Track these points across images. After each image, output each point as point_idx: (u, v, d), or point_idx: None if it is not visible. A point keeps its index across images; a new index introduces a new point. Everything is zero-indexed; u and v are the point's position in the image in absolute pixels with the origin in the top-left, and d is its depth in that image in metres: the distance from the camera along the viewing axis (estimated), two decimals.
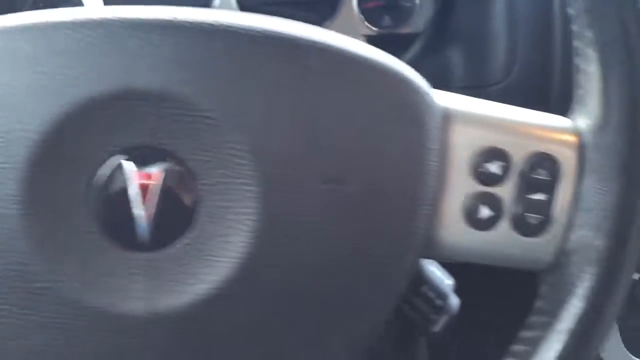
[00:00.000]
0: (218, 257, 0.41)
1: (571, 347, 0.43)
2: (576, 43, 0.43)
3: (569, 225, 0.43)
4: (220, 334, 0.42)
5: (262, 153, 0.40)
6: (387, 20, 0.82)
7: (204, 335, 0.41)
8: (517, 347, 0.45)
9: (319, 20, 0.81)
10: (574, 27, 0.42)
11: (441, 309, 0.53)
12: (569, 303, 0.43)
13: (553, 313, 0.44)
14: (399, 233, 0.43)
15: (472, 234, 0.44)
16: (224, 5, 0.80)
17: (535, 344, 0.44)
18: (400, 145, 0.42)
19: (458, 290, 0.54)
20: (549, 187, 0.43)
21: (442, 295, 0.54)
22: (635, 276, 0.71)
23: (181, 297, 0.41)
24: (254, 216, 0.40)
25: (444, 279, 0.54)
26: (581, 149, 0.43)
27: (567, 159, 0.43)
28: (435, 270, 0.55)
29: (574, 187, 0.43)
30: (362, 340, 0.44)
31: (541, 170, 0.43)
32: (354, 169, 0.41)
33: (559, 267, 0.44)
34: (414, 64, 0.73)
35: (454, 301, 0.54)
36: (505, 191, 0.43)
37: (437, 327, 0.53)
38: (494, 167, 0.43)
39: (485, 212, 0.43)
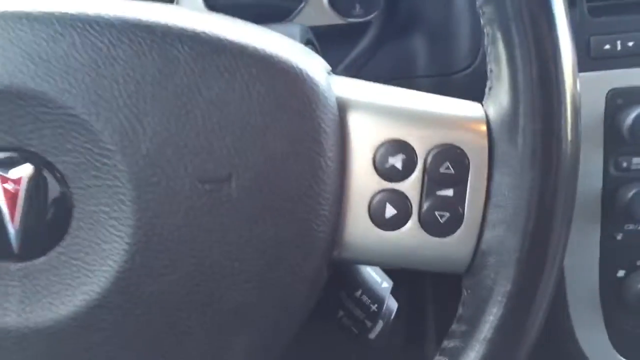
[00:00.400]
0: (94, 266, 0.38)
1: (489, 358, 0.39)
2: (482, 21, 0.38)
3: (482, 224, 0.39)
4: (100, 348, 0.39)
5: (132, 152, 0.37)
6: (357, 8, 0.79)
7: (83, 349, 0.39)
8: (438, 359, 0.41)
9: (288, 9, 0.77)
10: (477, 3, 0.38)
11: (376, 315, 0.49)
12: (486, 310, 0.39)
13: (472, 321, 0.40)
14: (295, 237, 0.39)
15: (380, 235, 0.40)
16: None
17: (455, 355, 0.40)
18: (287, 140, 0.38)
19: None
20: (457, 182, 0.39)
21: (377, 300, 0.50)
22: (621, 273, 0.67)
23: (57, 309, 0.38)
24: (128, 221, 0.37)
25: (381, 282, 0.51)
26: (491, 139, 0.39)
27: (476, 151, 0.39)
28: (371, 273, 0.51)
29: (485, 182, 0.39)
30: (263, 351, 0.41)
31: (448, 164, 0.39)
32: (236, 167, 0.38)
33: (476, 269, 0.40)
34: (371, 51, 0.69)
35: (391, 306, 0.50)
36: (411, 187, 0.40)
37: (374, 335, 0.50)
38: (397, 162, 0.39)
39: (391, 211, 0.40)
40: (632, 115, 0.60)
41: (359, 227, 0.40)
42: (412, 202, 0.40)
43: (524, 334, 0.39)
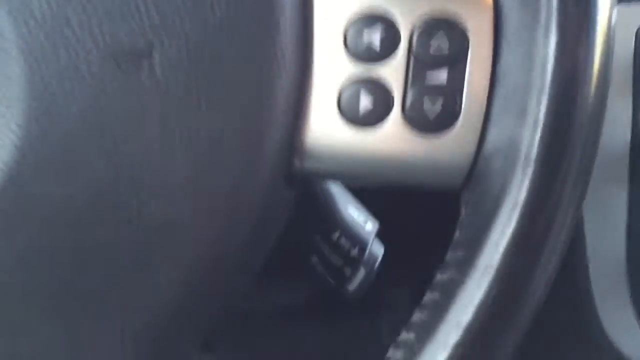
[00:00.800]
0: None
1: (497, 291, 0.29)
2: None
3: (486, 117, 0.30)
4: None
5: (22, 17, 0.29)
6: None
7: None
8: (429, 296, 0.32)
9: None
10: None
11: (357, 262, 0.40)
12: (491, 228, 0.30)
13: (472, 244, 0.30)
14: (237, 134, 0.30)
15: (352, 135, 0.31)
16: None
17: (449, 289, 0.31)
18: (230, 8, 0.29)
19: None
20: (453, 64, 0.30)
21: (359, 244, 0.40)
22: None
23: None
24: (19, 106, 0.29)
25: (365, 223, 0.41)
26: (498, 8, 0.30)
27: (477, 23, 0.30)
28: (353, 212, 0.42)
29: (489, 62, 0.30)
30: (200, 286, 0.32)
31: (441, 40, 0.30)
32: (159, 36, 0.29)
33: (478, 178, 0.31)
34: None
35: (376, 251, 0.41)
36: (392, 72, 0.31)
37: (353, 285, 0.40)
38: (374, 39, 0.30)
39: (367, 102, 0.31)
40: None
41: (326, 125, 0.31)
42: (393, 90, 0.31)
43: (541, 261, 0.29)
